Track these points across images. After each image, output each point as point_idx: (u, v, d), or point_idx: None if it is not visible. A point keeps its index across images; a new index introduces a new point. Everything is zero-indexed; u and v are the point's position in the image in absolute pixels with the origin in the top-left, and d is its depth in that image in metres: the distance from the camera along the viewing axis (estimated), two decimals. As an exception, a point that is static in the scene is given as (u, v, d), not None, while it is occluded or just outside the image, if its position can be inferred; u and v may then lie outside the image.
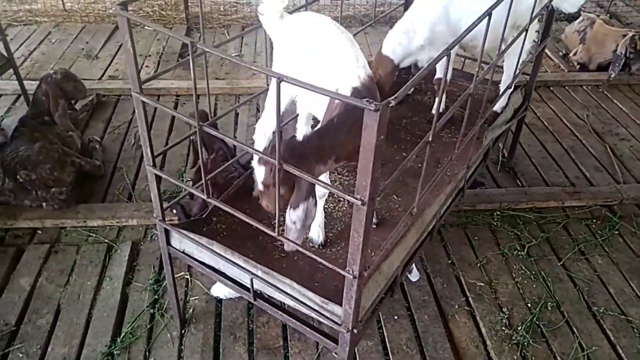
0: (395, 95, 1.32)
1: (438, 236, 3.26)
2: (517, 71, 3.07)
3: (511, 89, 3.26)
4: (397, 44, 3.06)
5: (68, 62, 4.86)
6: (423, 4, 3.00)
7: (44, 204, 3.20)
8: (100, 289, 2.85)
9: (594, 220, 3.43)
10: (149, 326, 2.67)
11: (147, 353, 2.55)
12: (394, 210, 2.64)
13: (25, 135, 3.38)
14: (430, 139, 1.78)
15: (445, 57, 1.80)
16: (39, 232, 3.19)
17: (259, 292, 2.09)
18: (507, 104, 3.29)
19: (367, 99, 1.34)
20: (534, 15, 2.74)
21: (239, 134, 4.16)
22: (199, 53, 1.72)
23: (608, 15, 6.28)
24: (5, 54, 3.55)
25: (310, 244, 2.42)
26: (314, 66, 2.09)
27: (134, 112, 4.32)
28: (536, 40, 3.22)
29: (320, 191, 2.26)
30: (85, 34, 5.43)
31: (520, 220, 3.41)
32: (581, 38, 5.16)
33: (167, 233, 2.27)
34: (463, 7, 2.96)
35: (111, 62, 4.95)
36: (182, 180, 3.60)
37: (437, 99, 3.26)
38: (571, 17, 6.08)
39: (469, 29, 1.88)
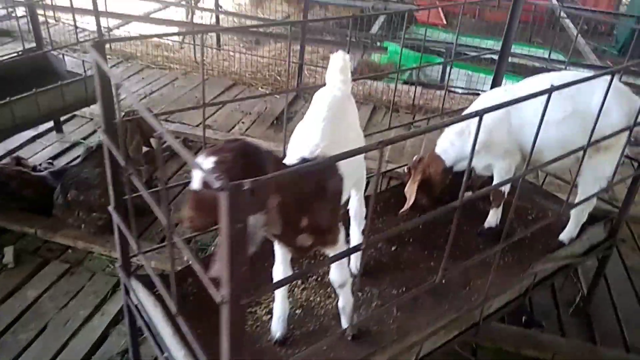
0: (254, 179, 1.07)
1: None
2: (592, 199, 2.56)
3: (583, 219, 2.69)
4: (450, 144, 2.75)
5: (178, 105, 5.27)
6: (483, 103, 2.67)
7: (82, 225, 3.36)
8: (89, 321, 2.83)
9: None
10: (109, 374, 2.56)
11: (92, 403, 2.43)
12: (385, 325, 2.23)
13: (95, 159, 3.62)
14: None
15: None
16: (70, 250, 3.32)
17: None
18: (577, 236, 2.71)
19: (220, 175, 1.13)
20: (616, 136, 2.27)
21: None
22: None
23: None
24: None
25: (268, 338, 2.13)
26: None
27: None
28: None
29: (280, 275, 2.01)
30: (206, 84, 5.87)
31: (572, 384, 2.70)
32: None
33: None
34: (529, 115, 2.56)
35: (214, 113, 5.26)
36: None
37: (491, 212, 2.86)
38: None
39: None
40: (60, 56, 4.11)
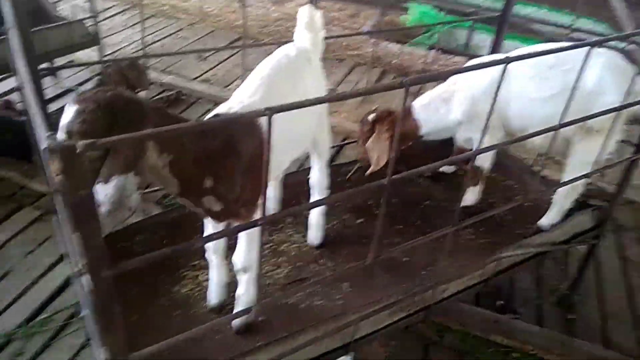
0: (91, 141, 0.93)
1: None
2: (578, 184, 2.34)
3: (567, 205, 2.47)
4: (434, 110, 2.52)
5: (177, 57, 5.14)
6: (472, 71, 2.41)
7: (59, 173, 3.32)
8: (51, 270, 2.82)
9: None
10: (61, 324, 2.54)
11: (42, 350, 2.42)
12: (331, 300, 2.12)
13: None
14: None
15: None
16: (45, 197, 3.30)
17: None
18: (558, 221, 2.50)
19: (53, 135, 1.00)
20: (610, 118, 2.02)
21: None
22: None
23: None
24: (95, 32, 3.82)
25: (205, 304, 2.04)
26: None
27: (202, 115, 4.38)
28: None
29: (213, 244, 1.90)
30: (210, 37, 5.71)
31: (540, 376, 2.56)
32: None
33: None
34: (516, 89, 2.33)
35: (214, 67, 5.10)
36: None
37: (469, 190, 2.66)
38: None
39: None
40: (52, -2, 4.00)
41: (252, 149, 1.59)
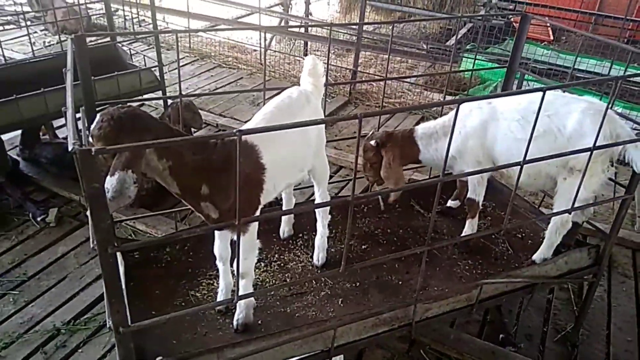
0: (109, 148, 1.32)
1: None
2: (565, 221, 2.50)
3: (557, 240, 2.61)
4: (435, 140, 2.77)
5: (234, 102, 5.71)
6: (468, 110, 2.66)
7: (116, 197, 3.83)
8: (101, 278, 3.26)
9: None
10: (102, 323, 2.95)
11: (82, 344, 2.82)
12: (324, 312, 2.38)
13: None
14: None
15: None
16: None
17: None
18: (551, 257, 2.64)
19: (77, 143, 1.38)
20: (591, 159, 2.20)
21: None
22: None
23: None
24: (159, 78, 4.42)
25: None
26: None
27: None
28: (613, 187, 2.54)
29: (217, 250, 2.23)
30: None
31: (533, 410, 2.63)
32: None
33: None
34: (503, 129, 2.56)
35: (264, 111, 5.60)
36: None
37: (467, 223, 2.86)
38: None
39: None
40: (127, 49, 4.67)
41: (246, 168, 1.93)
